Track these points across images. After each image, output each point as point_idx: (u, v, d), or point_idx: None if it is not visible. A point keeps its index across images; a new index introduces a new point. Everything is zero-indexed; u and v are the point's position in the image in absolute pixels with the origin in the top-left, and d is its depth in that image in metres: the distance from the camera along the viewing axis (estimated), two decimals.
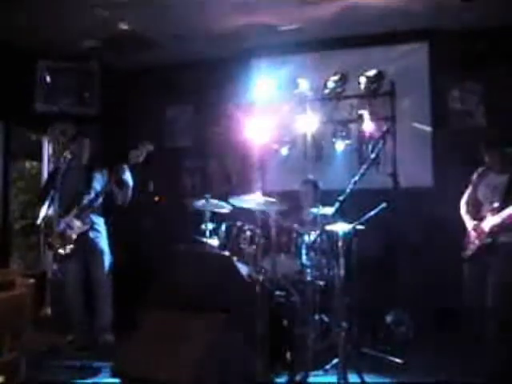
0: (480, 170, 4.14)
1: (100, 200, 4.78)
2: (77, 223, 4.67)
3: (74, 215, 4.67)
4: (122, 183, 4.73)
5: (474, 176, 4.16)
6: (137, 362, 3.58)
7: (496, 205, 3.90)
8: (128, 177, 4.75)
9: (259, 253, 4.11)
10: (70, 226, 4.65)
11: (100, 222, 4.85)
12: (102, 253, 4.80)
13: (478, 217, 4.04)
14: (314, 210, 4.60)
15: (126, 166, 4.70)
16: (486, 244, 3.93)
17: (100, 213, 4.85)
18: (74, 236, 4.65)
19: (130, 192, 4.79)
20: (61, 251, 4.59)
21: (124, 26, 5.18)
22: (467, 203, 4.19)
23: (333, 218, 4.11)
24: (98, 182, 4.82)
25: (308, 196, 5.08)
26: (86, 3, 4.67)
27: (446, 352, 4.45)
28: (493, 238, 3.91)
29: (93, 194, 4.74)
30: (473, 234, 4.03)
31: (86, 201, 4.71)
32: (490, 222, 3.91)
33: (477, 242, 3.98)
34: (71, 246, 4.62)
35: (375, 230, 4.48)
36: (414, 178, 5.36)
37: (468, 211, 4.14)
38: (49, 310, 4.16)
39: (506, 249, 3.87)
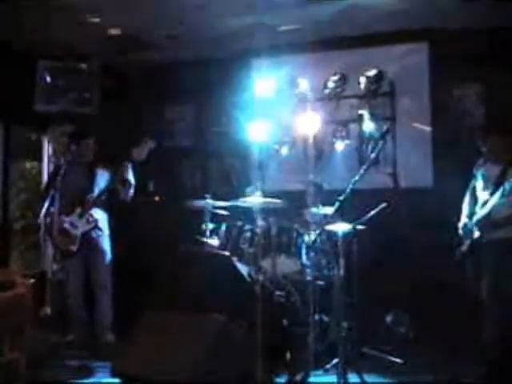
0: (480, 161, 4.10)
1: (104, 197, 4.80)
2: (81, 222, 4.68)
3: (77, 214, 4.68)
4: (125, 181, 4.76)
5: (475, 167, 4.14)
6: (137, 361, 3.58)
7: (487, 197, 3.89)
8: (131, 175, 4.78)
9: (259, 253, 4.11)
10: (73, 225, 4.66)
11: (103, 220, 4.85)
12: (103, 253, 4.81)
13: (474, 209, 4.04)
14: (314, 210, 4.60)
15: (129, 165, 4.73)
16: (477, 240, 3.92)
17: (104, 209, 4.86)
18: (78, 235, 4.66)
19: (132, 189, 4.82)
20: (65, 250, 4.61)
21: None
22: (469, 195, 4.17)
23: (333, 218, 4.12)
24: (102, 180, 4.82)
25: (313, 197, 5.07)
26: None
27: (446, 352, 4.45)
28: (482, 233, 3.89)
29: (96, 192, 4.76)
30: (461, 230, 4.04)
31: (89, 199, 4.72)
32: (478, 214, 3.91)
33: (467, 238, 3.99)
34: (75, 244, 4.64)
35: (375, 230, 4.49)
36: (414, 178, 5.35)
37: (469, 203, 4.13)
38: (49, 310, 4.17)
39: (499, 246, 3.85)
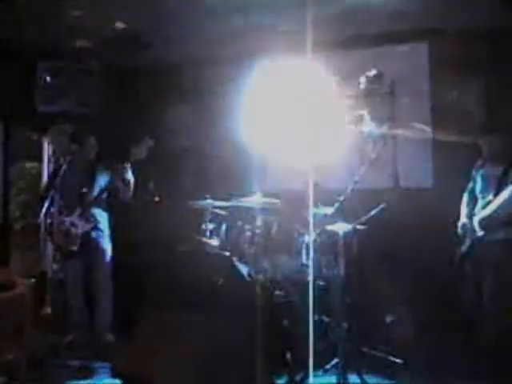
0: (479, 162, 4.12)
1: (104, 196, 4.80)
2: (81, 222, 4.68)
3: (78, 214, 4.68)
4: (125, 181, 4.77)
5: (474, 169, 4.16)
6: (137, 362, 3.58)
7: (490, 197, 3.89)
8: (130, 174, 4.78)
9: (259, 253, 4.11)
10: (74, 225, 4.66)
11: (103, 219, 4.86)
12: (103, 253, 4.81)
13: (473, 210, 4.04)
14: (315, 210, 4.60)
15: (128, 164, 4.73)
16: (478, 240, 3.92)
17: (104, 208, 4.86)
18: (79, 234, 4.66)
19: (131, 188, 4.82)
20: (66, 250, 4.62)
21: (121, 26, 5.20)
22: (467, 195, 4.18)
23: (333, 218, 4.12)
24: (102, 179, 4.83)
25: (311, 197, 5.07)
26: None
27: (446, 352, 4.45)
28: (485, 232, 3.89)
29: (96, 191, 4.76)
30: (460, 229, 4.04)
31: (89, 198, 4.73)
32: (481, 214, 3.91)
33: (467, 238, 3.99)
34: (76, 244, 4.64)
35: (375, 230, 4.48)
36: (414, 178, 5.36)
37: (467, 203, 4.14)
38: (49, 310, 4.17)
39: (500, 246, 3.85)
